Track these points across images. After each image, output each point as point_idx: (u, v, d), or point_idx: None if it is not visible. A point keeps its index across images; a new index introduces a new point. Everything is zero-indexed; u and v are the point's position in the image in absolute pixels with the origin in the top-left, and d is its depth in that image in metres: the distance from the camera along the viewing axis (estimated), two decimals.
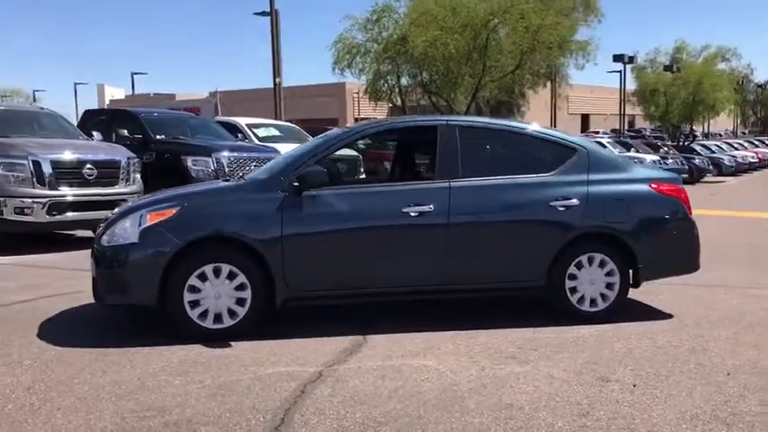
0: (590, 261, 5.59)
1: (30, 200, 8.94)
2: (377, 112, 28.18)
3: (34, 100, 61.43)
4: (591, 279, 5.59)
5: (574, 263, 5.55)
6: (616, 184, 5.70)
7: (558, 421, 3.60)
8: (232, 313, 5.05)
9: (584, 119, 64.36)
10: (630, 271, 5.70)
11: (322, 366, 4.45)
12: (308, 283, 5.21)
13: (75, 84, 59.35)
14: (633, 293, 6.38)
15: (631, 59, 37.85)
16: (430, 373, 4.33)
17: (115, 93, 70.77)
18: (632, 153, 24.73)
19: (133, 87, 57.37)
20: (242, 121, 15.01)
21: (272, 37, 20.79)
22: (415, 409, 3.73)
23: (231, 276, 5.04)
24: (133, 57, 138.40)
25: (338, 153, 6.00)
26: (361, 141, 5.87)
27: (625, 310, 5.90)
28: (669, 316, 5.87)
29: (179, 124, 13.34)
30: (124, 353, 4.70)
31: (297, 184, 5.15)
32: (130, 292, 5.03)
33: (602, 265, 5.60)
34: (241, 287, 5.05)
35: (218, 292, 5.01)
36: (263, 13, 24.50)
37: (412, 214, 5.26)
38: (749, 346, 4.98)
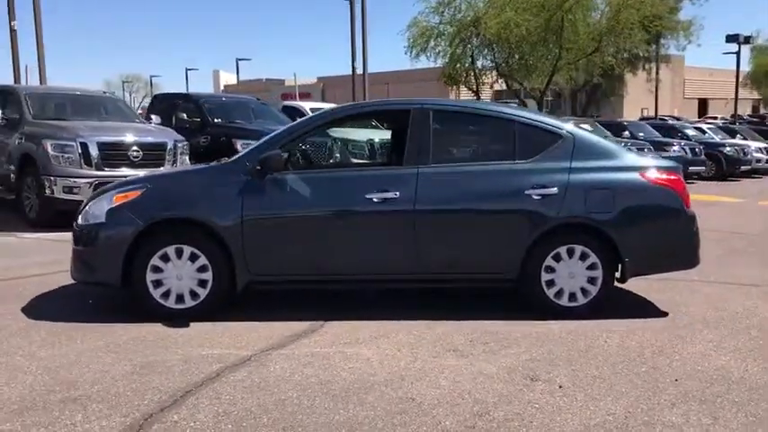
0: (570, 253, 5.29)
1: (77, 179, 9.41)
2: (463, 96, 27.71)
3: (151, 85, 64.72)
4: (570, 272, 5.29)
5: (551, 255, 5.27)
6: (601, 173, 5.35)
7: (448, 420, 3.44)
8: (194, 294, 5.13)
9: (702, 103, 60.95)
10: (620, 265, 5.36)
11: (257, 351, 4.45)
12: (268, 268, 5.22)
13: (187, 69, 62.11)
14: (637, 289, 6.05)
15: (747, 39, 35.37)
16: (358, 363, 4.24)
17: (230, 78, 73.43)
18: (737, 140, 23.21)
19: (238, 72, 59.20)
20: (306, 105, 15.25)
21: (351, 21, 20.88)
22: (310, 400, 3.66)
23: (193, 258, 5.12)
24: (246, 41, 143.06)
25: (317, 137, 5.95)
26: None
27: (619, 307, 5.59)
28: (664, 314, 5.49)
29: (241, 109, 13.69)
30: (85, 328, 4.88)
31: (259, 167, 5.15)
32: (97, 271, 5.21)
33: (583, 257, 5.29)
34: (203, 269, 5.12)
35: (180, 272, 5.10)
36: None
37: (375, 200, 5.15)
38: (727, 351, 4.58)
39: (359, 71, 22.62)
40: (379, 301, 5.72)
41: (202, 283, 5.13)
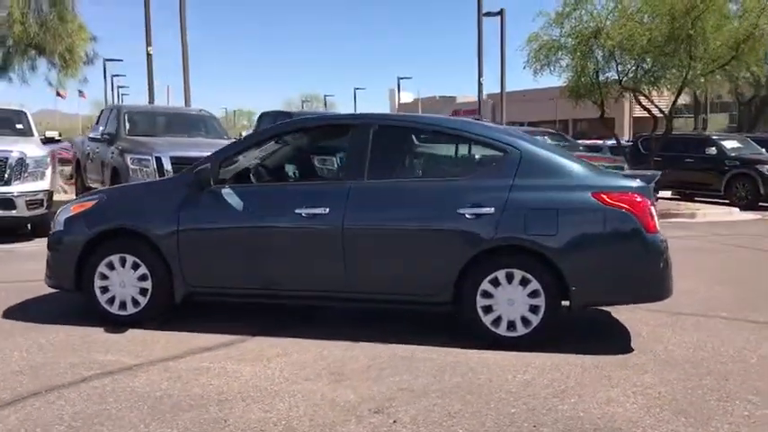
0: (509, 278, 4.86)
1: None
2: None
3: (325, 104, 67.90)
4: (510, 299, 4.86)
5: (488, 279, 4.88)
6: (546, 192, 4.87)
7: None
8: (135, 302, 5.33)
9: None
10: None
11: (148, 361, 4.51)
12: (204, 280, 5.29)
13: (355, 89, 65.52)
14: (627, 320, 5.49)
15: None
16: (223, 380, 4.17)
17: (406, 96, 75.21)
18: None
19: (399, 90, 60.19)
20: None
21: (478, 39, 20.55)
22: (128, 413, 3.65)
23: (135, 267, 5.32)
24: (426, 58, 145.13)
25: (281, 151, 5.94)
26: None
27: (580, 339, 5.10)
28: (626, 351, 4.89)
29: None
30: (37, 328, 5.22)
31: (195, 181, 5.26)
32: (56, 276, 5.56)
33: (524, 283, 4.85)
34: (143, 278, 5.31)
35: (122, 280, 5.33)
36: (488, 14, 24.41)
37: (304, 216, 5.06)
38: (644, 396, 3.99)
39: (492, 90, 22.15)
40: (328, 318, 5.60)
41: (143, 292, 5.31)
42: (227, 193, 5.23)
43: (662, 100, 19.39)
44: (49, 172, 9.88)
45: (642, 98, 17.17)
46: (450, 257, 4.88)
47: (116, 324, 5.28)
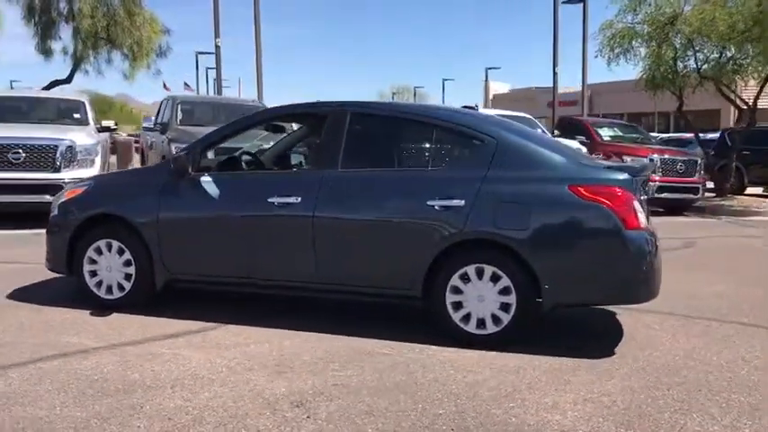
0: (479, 274, 4.63)
1: None
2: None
3: (414, 96, 67.84)
4: (480, 295, 4.64)
5: (458, 274, 4.66)
6: (519, 184, 4.61)
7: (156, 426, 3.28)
8: (121, 287, 5.42)
9: None
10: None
11: (106, 345, 4.55)
12: (183, 267, 5.32)
13: (444, 80, 65.49)
14: (631, 322, 5.19)
15: None
16: (167, 365, 4.16)
17: (500, 87, 73.96)
18: None
19: (486, 80, 59.22)
20: (492, 112, 15.05)
21: (554, 27, 19.76)
22: (56, 396, 3.67)
23: (121, 252, 5.41)
24: (527, 46, 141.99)
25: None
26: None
27: (565, 339, 4.87)
28: (606, 354, 4.59)
29: None
30: (28, 307, 5.41)
31: (176, 167, 5.29)
32: (52, 260, 5.73)
33: (494, 279, 4.61)
34: (128, 263, 5.40)
35: (109, 265, 5.43)
36: (570, 1, 23.59)
37: (276, 204, 5.00)
38: (594, 404, 3.70)
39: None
40: (314, 308, 5.52)
41: (128, 277, 5.40)
42: (206, 181, 5.23)
43: (747, 90, 18.22)
44: (98, 160, 10.26)
45: (723, 88, 16.14)
46: (420, 251, 4.70)
47: (103, 307, 5.39)
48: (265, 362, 4.29)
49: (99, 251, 5.45)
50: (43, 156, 9.77)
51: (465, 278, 4.65)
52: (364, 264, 4.88)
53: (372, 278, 4.89)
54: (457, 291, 4.67)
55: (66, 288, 6.00)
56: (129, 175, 6.16)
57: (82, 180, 6.08)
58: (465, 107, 7.61)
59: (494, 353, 4.52)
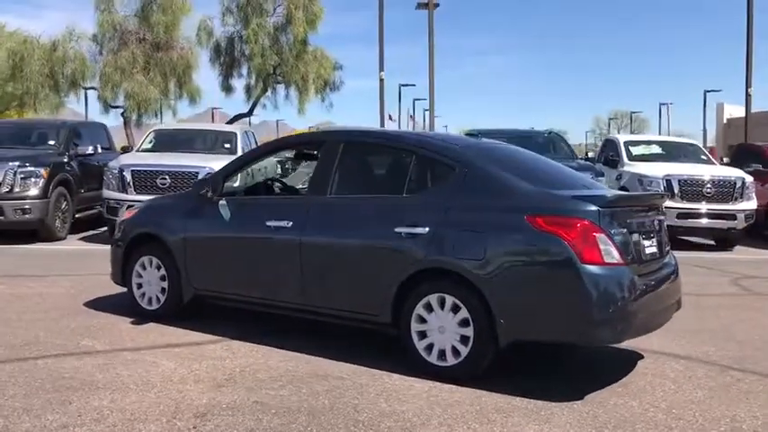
0: (441, 303, 4.53)
1: None
2: None
3: (631, 121, 64.24)
4: (441, 326, 4.52)
5: (422, 303, 4.59)
6: (479, 212, 4.45)
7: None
8: (158, 299, 5.99)
9: None
10: None
11: (107, 350, 5.07)
12: (205, 283, 5.74)
13: (660, 104, 61.85)
14: (650, 365, 4.88)
15: None
16: (139, 371, 4.55)
17: (734, 111, 68.06)
18: None
19: (705, 104, 54.37)
20: (621, 138, 14.21)
21: (747, 41, 17.59)
22: (24, 397, 4.13)
23: (159, 268, 5.98)
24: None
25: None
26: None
27: (550, 378, 4.63)
28: (574, 398, 4.24)
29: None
30: (87, 313, 6.17)
31: (201, 192, 5.77)
32: (113, 273, 6.44)
33: (455, 310, 4.47)
34: (163, 278, 5.95)
35: (150, 279, 6.03)
36: None
37: (272, 227, 5.26)
38: None
39: None
40: (314, 329, 5.67)
41: (163, 291, 5.96)
42: (222, 205, 5.63)
43: None
44: None
45: None
46: (387, 277, 4.70)
47: (143, 317, 5.98)
48: (217, 375, 4.53)
49: (143, 266, 6.06)
50: (186, 181, 10.86)
51: (428, 307, 4.57)
52: (341, 288, 4.97)
53: (348, 303, 4.96)
54: (422, 320, 4.60)
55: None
56: (171, 198, 6.78)
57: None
58: (468, 134, 7.34)
59: (449, 385, 4.38)
